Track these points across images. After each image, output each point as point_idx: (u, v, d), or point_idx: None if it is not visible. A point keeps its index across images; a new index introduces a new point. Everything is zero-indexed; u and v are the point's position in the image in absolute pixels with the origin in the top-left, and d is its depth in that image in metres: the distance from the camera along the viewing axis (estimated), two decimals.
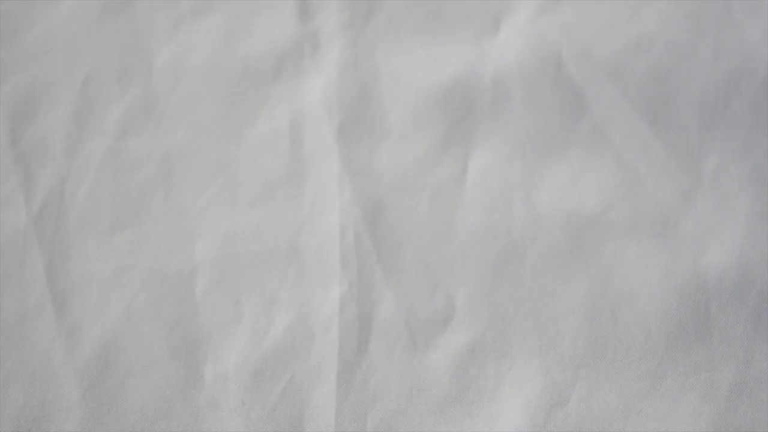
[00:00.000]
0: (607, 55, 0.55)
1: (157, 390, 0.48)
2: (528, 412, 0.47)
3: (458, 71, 0.55)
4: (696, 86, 0.54)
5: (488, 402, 0.48)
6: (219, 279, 0.51)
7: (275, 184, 0.53)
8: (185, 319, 0.50)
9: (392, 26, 0.56)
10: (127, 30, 0.57)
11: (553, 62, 0.55)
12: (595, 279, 0.50)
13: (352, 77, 0.55)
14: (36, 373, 0.49)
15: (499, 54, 0.55)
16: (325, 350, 0.49)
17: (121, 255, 0.51)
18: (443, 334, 0.49)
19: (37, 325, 0.50)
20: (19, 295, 0.51)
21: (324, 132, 0.54)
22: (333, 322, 0.50)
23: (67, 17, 0.57)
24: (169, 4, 0.58)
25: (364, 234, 0.51)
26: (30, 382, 0.49)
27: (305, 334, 0.50)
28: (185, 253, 0.52)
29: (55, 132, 0.55)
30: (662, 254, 0.51)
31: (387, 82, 0.55)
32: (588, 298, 0.50)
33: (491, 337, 0.49)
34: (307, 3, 0.58)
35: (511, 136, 0.53)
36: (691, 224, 0.51)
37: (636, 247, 0.51)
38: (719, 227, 0.51)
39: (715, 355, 0.48)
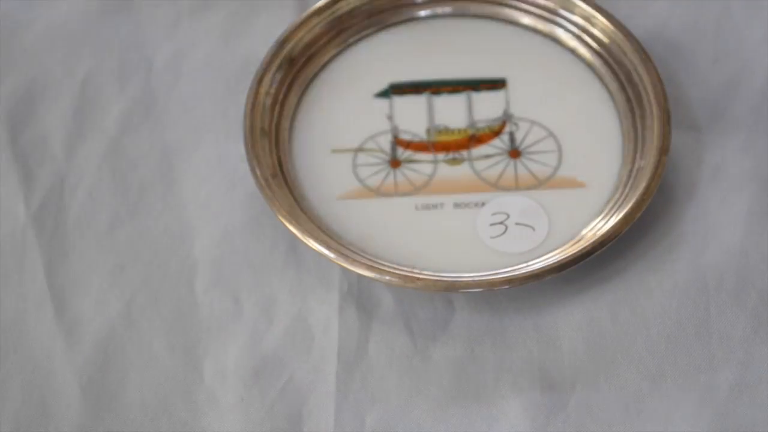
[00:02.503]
0: None
1: (157, 386, 0.48)
2: (528, 412, 0.47)
3: None
4: (696, 87, 0.54)
5: (488, 402, 0.48)
6: (218, 276, 0.51)
7: None
8: (185, 316, 0.50)
9: None
10: (126, 28, 0.57)
11: None
12: (595, 279, 0.50)
13: None
14: (35, 371, 0.49)
15: None
16: (325, 350, 0.49)
17: (120, 252, 0.51)
18: (443, 334, 0.49)
19: (36, 322, 0.50)
20: (19, 293, 0.51)
21: None
22: (332, 321, 0.50)
23: (67, 15, 0.57)
24: (168, 3, 0.58)
25: None
26: (29, 380, 0.49)
27: (305, 334, 0.50)
28: (185, 250, 0.52)
29: (54, 130, 0.54)
30: (662, 254, 0.51)
31: None
32: (588, 298, 0.50)
33: (491, 337, 0.49)
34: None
35: None
36: (691, 224, 0.51)
37: (635, 246, 0.51)
38: (719, 227, 0.51)
39: (715, 356, 0.48)
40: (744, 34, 0.56)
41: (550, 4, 0.55)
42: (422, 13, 0.56)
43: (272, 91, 0.53)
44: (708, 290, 0.50)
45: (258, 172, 0.50)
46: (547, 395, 0.48)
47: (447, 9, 0.56)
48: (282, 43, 0.54)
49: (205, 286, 0.51)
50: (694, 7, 0.57)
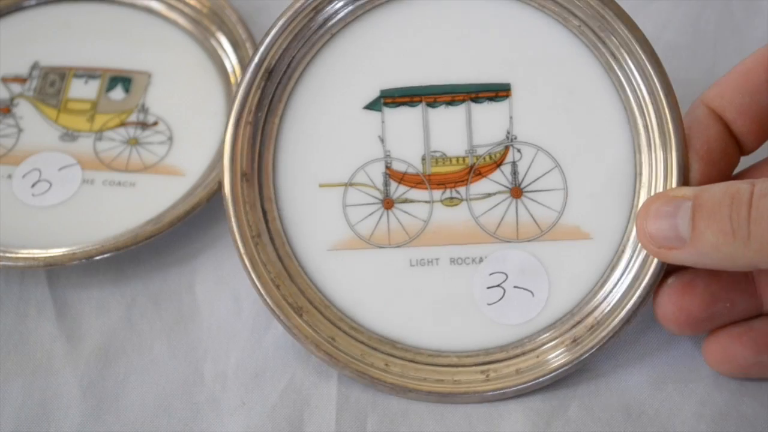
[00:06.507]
0: None
1: (157, 388, 0.48)
2: (529, 415, 0.47)
3: None
4: (696, 86, 0.53)
5: (488, 403, 0.48)
6: (219, 278, 0.51)
7: None
8: (185, 318, 0.50)
9: None
10: None
11: None
12: None
13: None
14: (36, 372, 0.49)
15: None
16: None
17: (121, 253, 0.51)
18: None
19: (37, 325, 0.50)
20: (20, 296, 0.51)
21: None
22: None
23: None
24: None
25: None
26: (30, 381, 0.49)
27: None
28: (186, 250, 0.52)
29: None
30: None
31: None
32: None
33: None
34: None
35: None
36: None
37: None
38: None
39: None
40: (744, 34, 0.56)
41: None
42: None
43: (251, 119, 0.48)
44: None
45: (240, 240, 0.48)
46: (548, 398, 0.48)
47: None
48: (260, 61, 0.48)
49: (206, 288, 0.51)
50: (694, 7, 0.57)
